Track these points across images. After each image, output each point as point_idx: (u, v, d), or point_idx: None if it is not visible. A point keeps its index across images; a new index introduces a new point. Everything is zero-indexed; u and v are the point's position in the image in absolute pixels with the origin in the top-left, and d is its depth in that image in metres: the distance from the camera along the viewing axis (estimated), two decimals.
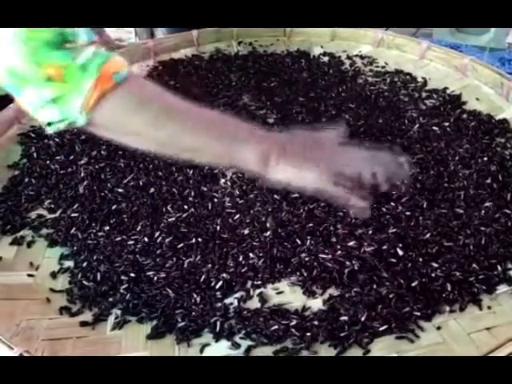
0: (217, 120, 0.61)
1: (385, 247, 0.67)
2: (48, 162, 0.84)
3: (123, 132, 0.59)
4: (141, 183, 0.79)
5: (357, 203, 0.58)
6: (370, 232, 0.69)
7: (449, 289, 0.62)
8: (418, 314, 0.60)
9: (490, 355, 0.54)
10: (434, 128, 0.88)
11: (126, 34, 2.03)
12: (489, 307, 0.61)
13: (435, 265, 0.64)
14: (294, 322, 0.60)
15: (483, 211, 0.72)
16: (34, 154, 0.85)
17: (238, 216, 0.72)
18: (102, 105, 0.56)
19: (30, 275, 0.67)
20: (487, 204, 0.73)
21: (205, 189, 0.77)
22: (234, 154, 0.58)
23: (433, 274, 0.63)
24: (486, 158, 0.81)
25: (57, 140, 0.88)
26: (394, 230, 0.69)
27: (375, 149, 0.61)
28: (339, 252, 0.66)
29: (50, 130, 0.58)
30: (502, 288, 0.63)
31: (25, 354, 0.54)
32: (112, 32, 1.90)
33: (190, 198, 0.76)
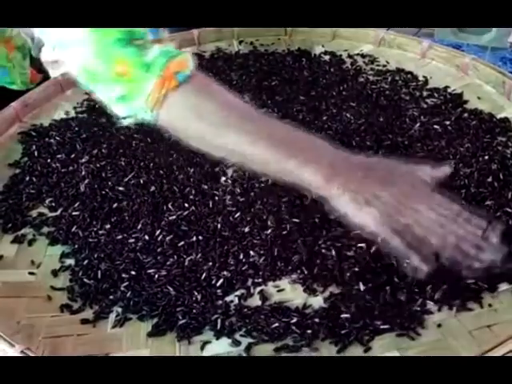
0: (285, 133, 0.58)
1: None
2: (49, 160, 0.84)
3: (186, 134, 0.59)
4: (141, 181, 0.79)
5: (416, 263, 0.53)
6: None
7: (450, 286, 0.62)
8: (419, 309, 0.60)
9: (491, 353, 0.54)
10: (435, 127, 0.87)
11: None
12: (490, 305, 0.61)
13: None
14: (294, 320, 0.60)
15: (485, 210, 0.72)
16: (35, 153, 0.86)
17: (238, 214, 0.72)
18: (164, 104, 0.56)
19: (31, 273, 0.68)
20: (488, 202, 0.73)
21: (205, 187, 0.77)
22: (300, 175, 0.55)
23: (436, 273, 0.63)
24: (487, 157, 0.81)
25: (58, 139, 0.88)
26: None
27: (469, 209, 0.55)
28: (340, 250, 0.66)
29: (125, 123, 0.60)
30: (504, 286, 0.63)
31: (26, 352, 0.54)
32: None
33: (191, 197, 0.76)
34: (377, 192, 0.54)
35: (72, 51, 0.57)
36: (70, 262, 0.69)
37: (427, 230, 0.53)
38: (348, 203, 0.54)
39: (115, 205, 0.75)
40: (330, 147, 0.58)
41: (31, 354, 0.54)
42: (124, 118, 0.60)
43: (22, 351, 0.54)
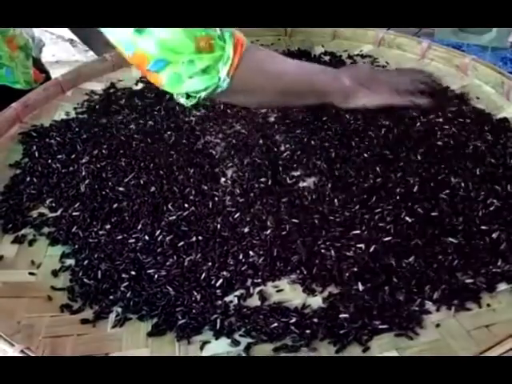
0: (312, 70, 0.74)
1: (384, 245, 0.67)
2: (49, 161, 0.84)
3: (251, 89, 0.68)
4: (142, 182, 0.79)
5: (418, 101, 0.74)
6: (369, 230, 0.69)
7: (449, 286, 0.62)
8: (417, 309, 0.60)
9: (489, 353, 0.54)
10: (435, 127, 0.88)
11: None
12: (488, 305, 0.61)
13: (435, 264, 0.65)
14: (293, 320, 0.60)
15: (484, 209, 0.72)
16: (36, 153, 0.86)
17: (238, 214, 0.73)
18: (240, 68, 0.64)
19: (31, 273, 0.68)
20: (488, 202, 0.73)
21: (205, 187, 0.77)
22: (328, 93, 0.72)
23: (432, 274, 0.64)
24: (487, 157, 0.81)
25: (58, 139, 0.88)
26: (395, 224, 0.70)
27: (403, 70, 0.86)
28: (339, 250, 0.67)
29: (188, 103, 0.66)
30: (502, 286, 0.63)
31: (26, 351, 0.55)
32: None
33: (191, 197, 0.76)
34: (375, 82, 0.75)
35: (154, 31, 0.61)
36: (70, 262, 0.69)
37: (405, 81, 0.77)
38: (364, 97, 0.73)
39: (115, 205, 0.75)
40: (333, 70, 0.77)
41: (31, 354, 0.54)
42: (193, 95, 0.65)
43: (21, 351, 0.54)
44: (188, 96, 0.66)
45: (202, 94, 0.65)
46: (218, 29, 0.63)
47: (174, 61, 0.62)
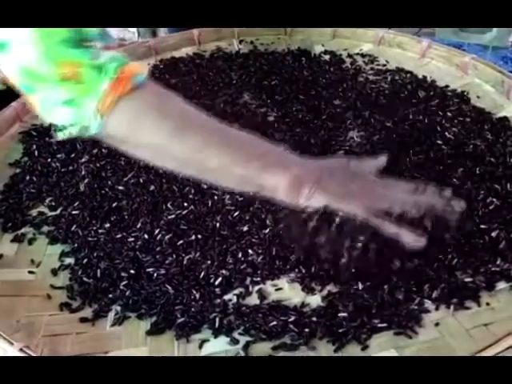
0: (245, 140, 0.56)
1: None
2: (49, 160, 0.84)
3: (138, 142, 0.55)
4: (141, 181, 0.79)
5: (406, 235, 0.55)
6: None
7: (448, 285, 0.62)
8: (416, 308, 0.60)
9: (488, 351, 0.54)
10: (435, 126, 0.88)
11: (129, 34, 2.03)
12: (487, 303, 0.61)
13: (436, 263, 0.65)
14: (292, 318, 0.60)
15: (484, 208, 0.72)
16: (35, 152, 0.86)
17: (237, 213, 0.72)
18: (117, 109, 0.52)
19: (30, 272, 0.68)
20: (488, 201, 0.73)
21: (205, 186, 0.77)
22: (263, 179, 0.54)
23: (432, 272, 0.63)
24: (487, 156, 0.81)
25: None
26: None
27: (417, 184, 0.61)
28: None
29: (61, 136, 0.55)
30: (501, 284, 0.63)
31: (25, 350, 0.55)
32: (115, 32, 1.91)
33: (190, 196, 0.76)
34: (346, 187, 0.55)
35: (13, 51, 0.52)
36: (70, 260, 0.69)
37: (398, 202, 0.56)
38: (322, 202, 0.55)
39: (115, 204, 0.75)
40: (289, 153, 0.58)
41: (30, 352, 0.55)
42: (63, 128, 0.54)
43: (20, 349, 0.54)
44: (60, 129, 0.55)
45: (72, 131, 0.54)
46: (103, 59, 0.52)
47: (35, 88, 0.53)
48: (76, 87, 0.52)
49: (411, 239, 0.56)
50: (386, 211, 0.56)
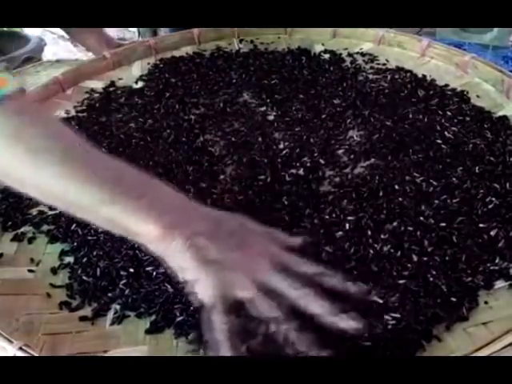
0: (118, 172, 0.48)
1: (383, 240, 0.67)
2: None
3: None
4: None
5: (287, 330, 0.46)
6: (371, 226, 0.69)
7: (447, 284, 0.62)
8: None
9: (486, 349, 0.54)
10: (435, 125, 0.88)
11: (129, 34, 2.04)
12: (486, 302, 0.61)
13: (437, 259, 0.65)
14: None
15: (483, 207, 0.72)
16: None
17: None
18: None
19: (30, 271, 0.68)
20: (487, 200, 0.73)
21: (204, 185, 0.77)
22: (130, 224, 0.46)
23: (434, 272, 0.64)
24: (486, 155, 0.81)
25: None
26: (395, 223, 0.70)
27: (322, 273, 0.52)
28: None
29: None
30: (500, 283, 0.63)
31: (24, 348, 0.55)
32: (115, 31, 1.91)
33: (190, 194, 0.76)
34: (224, 253, 0.46)
35: None
36: (70, 259, 0.69)
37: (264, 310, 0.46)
38: (187, 261, 0.46)
39: None
40: (170, 190, 0.50)
41: (30, 351, 0.55)
42: None
43: (20, 348, 0.54)
44: None
45: None
46: None
47: None
48: None
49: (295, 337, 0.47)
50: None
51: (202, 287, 0.46)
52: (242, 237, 0.48)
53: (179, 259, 0.47)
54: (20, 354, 0.54)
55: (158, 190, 0.49)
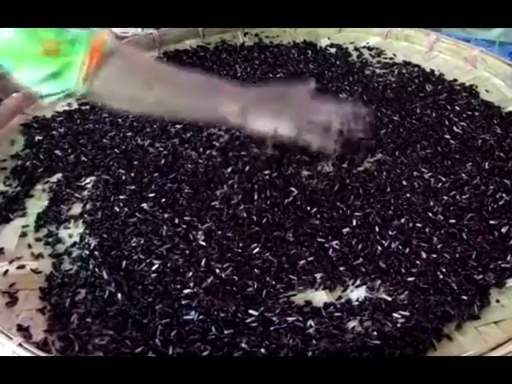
0: (202, 80, 0.66)
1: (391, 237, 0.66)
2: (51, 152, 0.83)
3: (118, 97, 0.64)
4: (146, 172, 0.78)
5: (327, 145, 0.64)
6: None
7: (457, 282, 0.61)
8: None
9: (498, 350, 0.52)
10: (443, 120, 0.86)
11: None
12: (497, 301, 0.60)
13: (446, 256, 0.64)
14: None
15: (493, 204, 0.70)
16: (38, 145, 0.85)
17: (242, 207, 0.71)
18: (98, 74, 0.59)
19: (31, 266, 0.66)
20: (497, 196, 0.71)
21: (205, 195, 0.75)
22: (220, 108, 0.63)
23: (443, 269, 0.62)
24: (496, 151, 0.79)
25: (60, 130, 0.87)
26: (404, 219, 0.69)
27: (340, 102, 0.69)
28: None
29: (46, 102, 0.61)
30: (511, 281, 0.62)
31: (23, 345, 0.53)
32: None
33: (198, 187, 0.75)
34: (280, 106, 0.64)
35: None
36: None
37: (325, 116, 0.65)
38: (263, 120, 0.63)
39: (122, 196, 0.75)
40: (237, 86, 0.67)
41: (29, 347, 0.53)
42: (49, 95, 0.60)
43: (19, 344, 0.53)
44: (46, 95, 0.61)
45: (60, 95, 0.60)
46: (73, 31, 0.58)
47: (17, 65, 0.58)
48: (58, 61, 0.57)
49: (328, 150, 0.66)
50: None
51: (286, 128, 0.63)
52: (286, 95, 0.66)
53: (254, 122, 0.63)
54: (19, 350, 0.52)
55: (230, 85, 0.67)
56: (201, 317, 0.58)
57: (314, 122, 0.64)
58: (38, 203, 0.75)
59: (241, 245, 0.67)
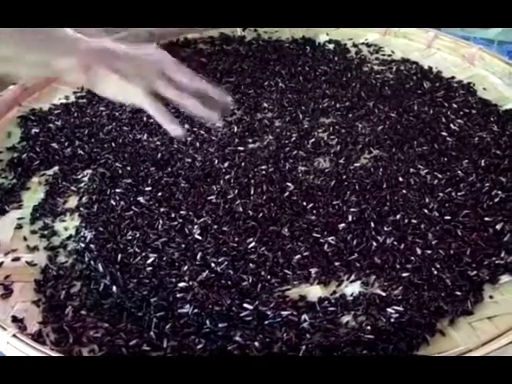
0: (39, 31, 0.58)
1: (386, 233, 0.66)
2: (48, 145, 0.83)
3: None
4: (143, 166, 0.78)
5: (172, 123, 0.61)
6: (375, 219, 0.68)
7: (451, 277, 0.61)
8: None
9: (491, 344, 0.53)
10: (440, 118, 0.86)
11: None
12: (491, 296, 0.60)
13: (441, 252, 0.64)
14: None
15: (489, 201, 0.71)
16: (34, 137, 0.84)
17: (238, 201, 0.71)
18: None
19: (26, 258, 0.66)
20: (493, 193, 0.72)
21: (202, 189, 0.75)
22: (54, 63, 0.57)
23: (437, 265, 0.62)
24: (492, 149, 0.80)
25: (57, 123, 0.87)
26: (399, 215, 0.69)
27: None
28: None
29: None
30: (505, 278, 0.62)
31: (18, 336, 0.54)
32: None
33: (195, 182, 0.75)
34: (131, 71, 0.59)
35: None
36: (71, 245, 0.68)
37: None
38: (110, 85, 0.59)
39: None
40: (80, 38, 0.60)
41: (23, 339, 0.53)
42: None
43: (13, 335, 0.53)
44: None
45: None
46: None
47: None
48: None
49: (172, 127, 0.63)
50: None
51: (133, 93, 0.59)
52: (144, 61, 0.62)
53: (100, 85, 0.59)
54: (13, 341, 0.53)
55: (71, 36, 0.60)
56: (195, 310, 0.58)
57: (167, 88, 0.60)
58: (34, 196, 0.75)
59: (236, 239, 0.66)
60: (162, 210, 0.71)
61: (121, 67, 0.58)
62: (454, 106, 0.89)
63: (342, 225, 0.68)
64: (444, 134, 0.83)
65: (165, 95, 0.62)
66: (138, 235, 0.67)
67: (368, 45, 1.07)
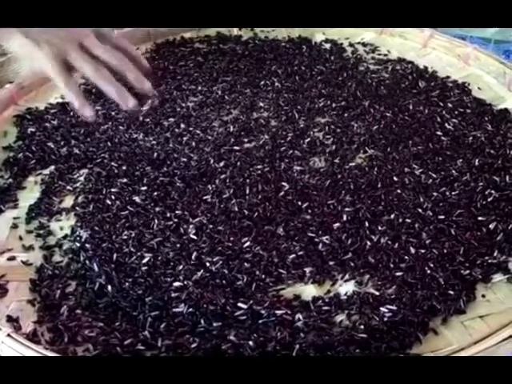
0: None
1: (380, 232, 0.67)
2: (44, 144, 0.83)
3: None
4: (139, 166, 0.78)
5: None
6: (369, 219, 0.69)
7: (444, 277, 0.61)
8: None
9: (483, 342, 0.53)
10: (435, 117, 0.87)
11: None
12: (483, 296, 0.60)
13: (435, 251, 0.64)
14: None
15: (482, 200, 0.71)
16: (30, 137, 0.85)
17: (234, 201, 0.72)
18: None
19: (21, 257, 0.67)
20: (486, 193, 0.72)
21: (197, 189, 0.75)
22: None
23: (431, 264, 0.63)
24: (486, 148, 0.80)
25: (53, 122, 0.87)
26: (393, 215, 0.69)
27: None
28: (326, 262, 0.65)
29: None
30: (498, 277, 0.62)
31: (13, 335, 0.54)
32: None
33: (190, 181, 0.75)
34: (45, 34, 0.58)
35: None
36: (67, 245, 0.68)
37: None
38: (22, 42, 0.58)
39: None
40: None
41: (18, 339, 0.54)
42: None
43: (8, 335, 0.53)
44: None
45: None
46: None
47: None
48: None
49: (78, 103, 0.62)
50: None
51: (37, 56, 0.58)
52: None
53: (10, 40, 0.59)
54: (8, 340, 0.53)
55: None
56: (190, 309, 0.59)
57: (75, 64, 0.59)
58: (29, 195, 0.75)
59: (231, 239, 0.67)
60: (157, 209, 0.71)
61: (34, 31, 0.58)
62: (449, 105, 0.89)
63: (337, 224, 0.68)
64: (439, 133, 0.83)
65: (77, 67, 0.60)
66: (133, 235, 0.67)
67: (364, 44, 1.08)
